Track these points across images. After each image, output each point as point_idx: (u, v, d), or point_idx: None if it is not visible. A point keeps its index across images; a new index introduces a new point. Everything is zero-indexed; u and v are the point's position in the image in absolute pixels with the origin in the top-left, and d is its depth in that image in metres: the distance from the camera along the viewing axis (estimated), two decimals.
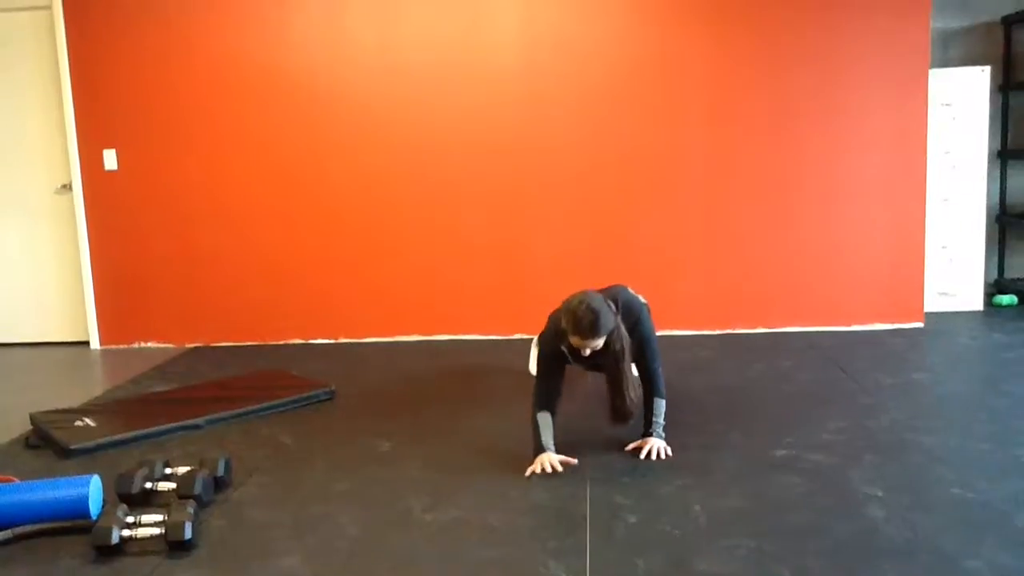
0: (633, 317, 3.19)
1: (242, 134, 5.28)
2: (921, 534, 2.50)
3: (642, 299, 3.40)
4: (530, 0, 5.02)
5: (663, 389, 3.26)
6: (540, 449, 3.13)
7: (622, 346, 3.08)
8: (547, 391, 3.20)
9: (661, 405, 3.25)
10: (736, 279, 5.14)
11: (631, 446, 3.23)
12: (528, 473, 3.07)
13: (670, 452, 3.18)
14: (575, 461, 3.11)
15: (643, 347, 3.21)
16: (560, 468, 3.06)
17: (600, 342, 3.03)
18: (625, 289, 3.38)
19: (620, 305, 3.13)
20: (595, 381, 3.40)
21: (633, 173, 5.11)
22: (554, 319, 3.22)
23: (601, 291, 3.20)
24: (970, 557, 2.35)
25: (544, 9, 5.03)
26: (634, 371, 3.20)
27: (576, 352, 3.12)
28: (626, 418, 3.15)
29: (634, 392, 3.13)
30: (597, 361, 3.17)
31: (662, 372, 3.27)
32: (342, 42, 5.15)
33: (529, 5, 5.03)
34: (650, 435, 3.22)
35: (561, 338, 3.13)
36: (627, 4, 5.00)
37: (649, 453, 3.16)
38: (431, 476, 3.12)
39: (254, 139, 5.28)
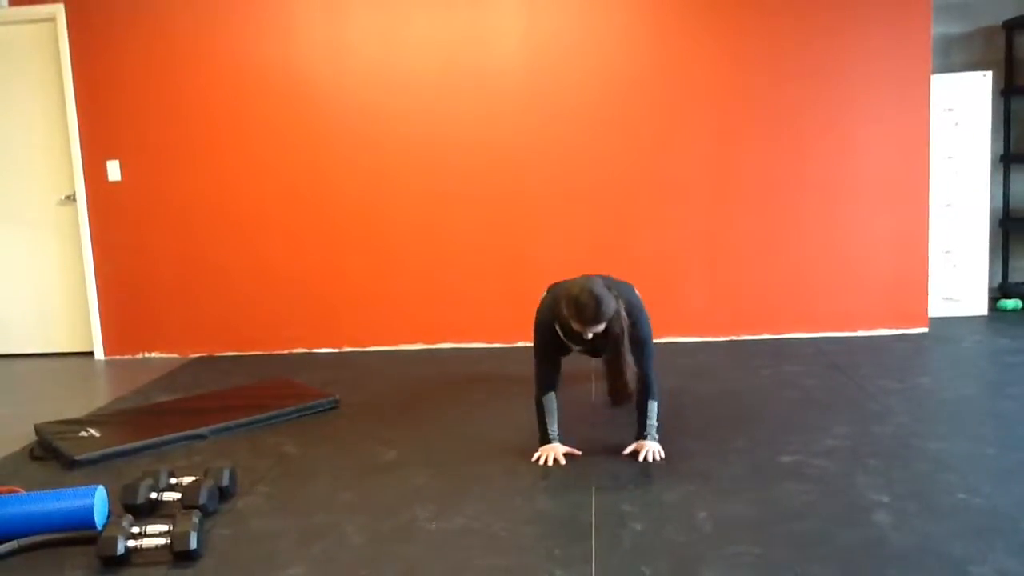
0: (632, 317, 3.19)
1: (245, 144, 5.30)
2: (928, 540, 2.49)
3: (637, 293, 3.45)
4: (533, 9, 5.04)
5: (656, 391, 3.27)
6: (546, 439, 3.27)
7: (622, 329, 3.12)
8: (548, 373, 3.31)
9: (655, 407, 3.27)
10: (741, 286, 5.14)
11: (628, 450, 3.26)
12: (534, 459, 3.22)
13: (663, 454, 3.22)
14: (579, 452, 3.25)
15: (640, 349, 3.22)
16: (563, 461, 3.20)
17: (602, 327, 3.09)
18: (628, 286, 3.42)
19: (623, 300, 3.17)
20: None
21: (636, 180, 5.11)
22: (549, 304, 3.28)
23: (600, 276, 3.25)
24: (978, 563, 2.33)
25: (547, 18, 5.04)
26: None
27: (574, 335, 3.17)
28: (625, 399, 3.23)
29: (631, 373, 3.18)
30: (596, 346, 3.24)
31: (656, 375, 3.28)
32: (345, 53, 5.16)
33: (532, 14, 5.05)
34: (644, 438, 3.25)
35: (558, 322, 3.20)
36: (631, 13, 5.01)
37: (646, 456, 3.20)
38: (436, 485, 3.11)
39: (257, 149, 5.30)
